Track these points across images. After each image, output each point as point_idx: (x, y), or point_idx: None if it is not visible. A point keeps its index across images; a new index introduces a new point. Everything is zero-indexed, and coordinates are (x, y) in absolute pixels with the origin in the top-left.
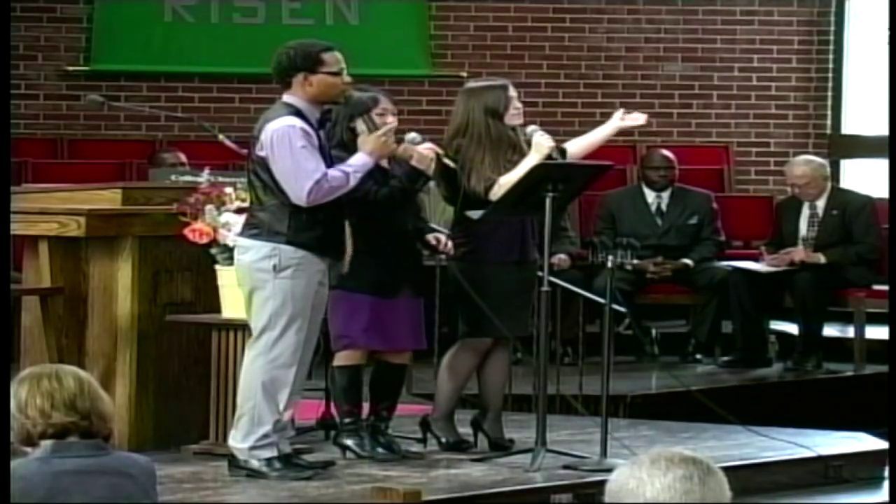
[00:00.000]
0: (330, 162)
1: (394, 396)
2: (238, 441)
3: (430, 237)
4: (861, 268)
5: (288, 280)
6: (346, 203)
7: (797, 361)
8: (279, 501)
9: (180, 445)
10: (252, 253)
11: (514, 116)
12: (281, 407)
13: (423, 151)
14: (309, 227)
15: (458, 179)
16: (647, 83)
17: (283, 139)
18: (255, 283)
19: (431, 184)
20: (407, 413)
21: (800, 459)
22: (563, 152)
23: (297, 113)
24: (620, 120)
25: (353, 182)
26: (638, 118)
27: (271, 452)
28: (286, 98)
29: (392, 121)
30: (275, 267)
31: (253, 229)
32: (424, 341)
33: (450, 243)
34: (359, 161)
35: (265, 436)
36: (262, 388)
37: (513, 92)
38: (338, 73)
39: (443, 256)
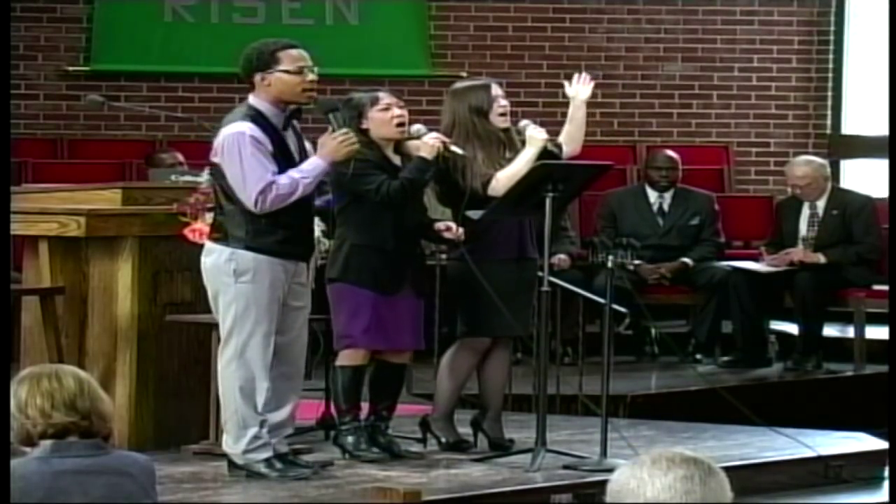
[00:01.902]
0: (300, 163)
1: (393, 396)
2: (230, 446)
3: (440, 224)
4: (861, 268)
5: (249, 284)
6: (352, 195)
7: (797, 361)
8: (279, 501)
9: (180, 445)
10: (214, 256)
11: (498, 116)
12: (259, 408)
13: (430, 141)
14: (269, 231)
15: (451, 177)
16: (647, 83)
17: (233, 146)
18: (218, 286)
19: (428, 188)
20: (407, 413)
21: (800, 459)
22: (559, 147)
23: (258, 115)
24: (573, 93)
25: (303, 188)
26: (585, 80)
27: (267, 453)
28: (250, 99)
29: (400, 112)
30: (234, 271)
31: (216, 233)
32: (423, 341)
33: (461, 229)
34: (310, 166)
35: (256, 437)
36: (240, 392)
37: (497, 91)
38: (296, 72)
39: (443, 256)
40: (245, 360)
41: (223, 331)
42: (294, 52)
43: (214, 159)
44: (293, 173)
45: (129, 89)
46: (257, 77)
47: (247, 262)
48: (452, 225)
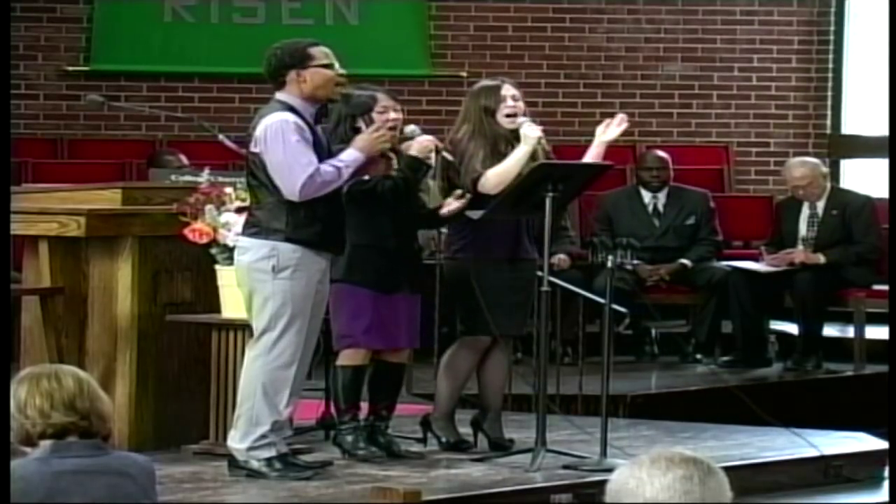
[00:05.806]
0: (329, 157)
1: (393, 396)
2: (236, 442)
3: (444, 210)
4: (861, 268)
5: (287, 280)
6: (348, 196)
7: (797, 361)
8: (279, 501)
9: (180, 445)
10: (251, 253)
11: (504, 116)
12: (281, 407)
13: (423, 141)
14: (308, 223)
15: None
16: (647, 83)
17: (277, 133)
18: (255, 283)
19: (431, 183)
20: (407, 413)
21: (800, 459)
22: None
23: (292, 110)
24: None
25: (344, 177)
26: (622, 121)
27: (270, 452)
28: (279, 96)
29: (395, 116)
30: (273, 267)
31: (251, 228)
32: (418, 339)
33: (460, 200)
34: (349, 157)
35: (263, 436)
36: (262, 388)
37: (507, 91)
38: (329, 66)
39: (441, 255)
40: (274, 356)
41: (256, 328)
42: (321, 48)
43: (254, 150)
44: (335, 163)
45: (129, 89)
46: (292, 74)
47: (288, 256)
48: (452, 201)
